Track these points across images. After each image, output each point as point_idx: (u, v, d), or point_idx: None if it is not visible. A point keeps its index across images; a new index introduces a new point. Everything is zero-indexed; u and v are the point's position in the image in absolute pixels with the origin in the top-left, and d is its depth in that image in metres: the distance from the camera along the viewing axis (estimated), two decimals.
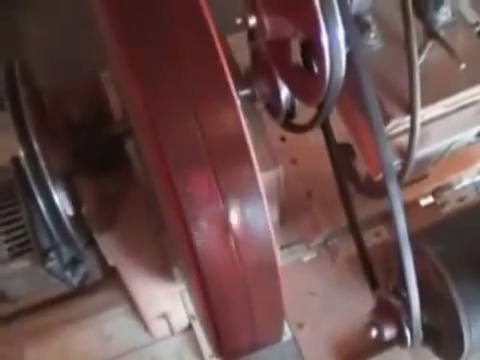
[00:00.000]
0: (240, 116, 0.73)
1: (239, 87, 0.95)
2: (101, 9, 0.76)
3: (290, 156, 1.24)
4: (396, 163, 0.90)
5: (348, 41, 0.78)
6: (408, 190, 1.06)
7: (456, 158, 1.09)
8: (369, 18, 0.87)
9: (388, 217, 1.07)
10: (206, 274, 0.73)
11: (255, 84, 0.96)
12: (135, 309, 1.25)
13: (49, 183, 0.89)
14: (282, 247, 1.15)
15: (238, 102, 0.74)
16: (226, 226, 0.71)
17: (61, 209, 0.91)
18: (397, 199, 0.84)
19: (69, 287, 1.20)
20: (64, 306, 1.26)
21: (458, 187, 1.15)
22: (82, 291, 1.25)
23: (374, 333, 0.95)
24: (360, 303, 0.99)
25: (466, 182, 1.14)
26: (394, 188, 0.83)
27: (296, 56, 0.82)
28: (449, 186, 1.13)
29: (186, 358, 1.27)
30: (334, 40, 0.75)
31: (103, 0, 0.75)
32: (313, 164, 1.22)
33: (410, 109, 0.84)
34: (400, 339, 0.94)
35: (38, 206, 0.92)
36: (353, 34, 0.79)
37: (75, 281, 1.20)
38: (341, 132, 1.01)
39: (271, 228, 0.74)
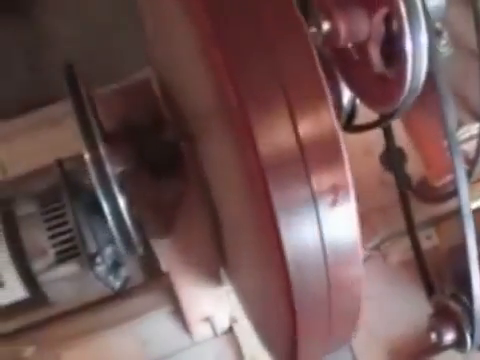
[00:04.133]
0: (334, 117, 0.72)
1: None
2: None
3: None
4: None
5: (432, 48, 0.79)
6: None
7: None
8: (439, 25, 0.87)
9: (439, 221, 1.08)
10: (293, 278, 0.72)
11: None
12: (174, 312, 1.24)
13: (115, 188, 0.88)
14: None
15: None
16: (318, 230, 0.71)
17: (125, 215, 0.90)
18: (467, 206, 0.84)
19: (110, 291, 1.19)
20: (101, 310, 1.25)
21: None
22: (120, 294, 1.24)
23: (434, 337, 0.95)
24: (413, 307, 1.00)
25: None
26: (465, 196, 0.84)
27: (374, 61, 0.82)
28: None
29: None
30: (418, 46, 0.75)
31: None
32: (356, 167, 1.21)
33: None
34: (459, 343, 0.95)
35: (102, 211, 0.91)
36: (432, 40, 0.79)
37: (117, 284, 1.19)
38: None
39: (359, 234, 0.73)
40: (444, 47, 0.88)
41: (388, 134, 0.98)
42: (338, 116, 0.96)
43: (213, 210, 1.00)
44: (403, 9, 0.74)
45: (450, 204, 1.07)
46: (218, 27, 0.71)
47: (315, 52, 0.73)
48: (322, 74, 0.73)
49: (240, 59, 0.70)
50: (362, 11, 0.80)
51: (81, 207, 1.06)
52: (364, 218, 1.13)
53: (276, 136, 0.69)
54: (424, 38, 0.75)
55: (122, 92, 1.03)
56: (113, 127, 0.99)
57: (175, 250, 1.05)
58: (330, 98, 0.72)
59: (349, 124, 0.97)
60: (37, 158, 1.25)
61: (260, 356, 1.14)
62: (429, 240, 1.19)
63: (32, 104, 1.41)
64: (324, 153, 0.71)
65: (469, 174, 0.91)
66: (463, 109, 0.87)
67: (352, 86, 0.91)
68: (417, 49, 0.76)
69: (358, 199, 1.16)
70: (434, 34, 0.86)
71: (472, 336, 0.93)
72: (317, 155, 0.70)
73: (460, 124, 0.86)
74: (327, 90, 0.72)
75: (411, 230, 0.99)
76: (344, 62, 0.90)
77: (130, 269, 1.22)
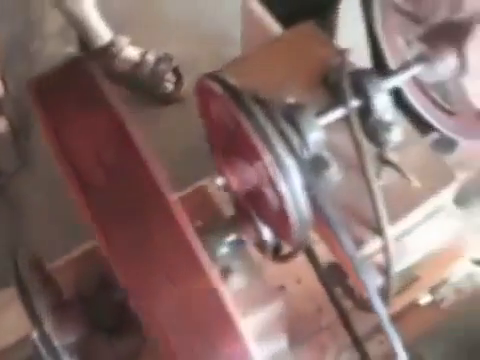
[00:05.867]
0: (222, 295, 0.79)
1: (225, 233, 1.03)
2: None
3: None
4: (379, 280, 0.95)
5: (311, 185, 0.86)
6: (404, 295, 1.11)
7: (445, 253, 1.14)
8: (327, 154, 0.94)
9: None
10: None
11: (240, 228, 1.04)
12: None
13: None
14: None
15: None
16: None
17: None
18: (385, 316, 0.88)
19: None
20: None
21: (453, 280, 1.18)
22: None
23: None
24: None
25: (460, 274, 1.18)
26: (380, 307, 0.88)
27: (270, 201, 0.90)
28: (444, 281, 1.17)
29: None
30: (292, 186, 0.83)
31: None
32: (292, 297, 1.25)
33: (378, 231, 0.90)
34: None
35: None
36: (312, 180, 0.87)
37: None
38: None
39: None
40: (334, 174, 0.94)
41: (310, 255, 1.03)
42: (264, 250, 1.04)
43: None
44: (269, 160, 0.83)
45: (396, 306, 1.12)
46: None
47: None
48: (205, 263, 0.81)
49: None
50: (245, 164, 0.89)
51: None
52: (312, 338, 1.19)
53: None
54: (295, 179, 0.83)
55: (73, 262, 1.13)
56: (69, 295, 1.08)
57: None
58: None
59: (277, 255, 1.04)
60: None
61: None
62: (382, 344, 1.22)
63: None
64: (215, 329, 0.78)
65: (388, 283, 0.96)
66: (364, 227, 0.93)
67: (265, 223, 0.99)
68: (292, 189, 0.84)
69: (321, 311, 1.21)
70: (319, 167, 0.94)
71: None
72: (208, 332, 0.78)
73: (361, 242, 0.92)
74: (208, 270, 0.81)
75: (356, 343, 1.03)
76: (255, 204, 0.98)
77: None
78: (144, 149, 0.81)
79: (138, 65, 1.71)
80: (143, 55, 1.72)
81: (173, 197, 0.80)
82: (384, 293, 0.97)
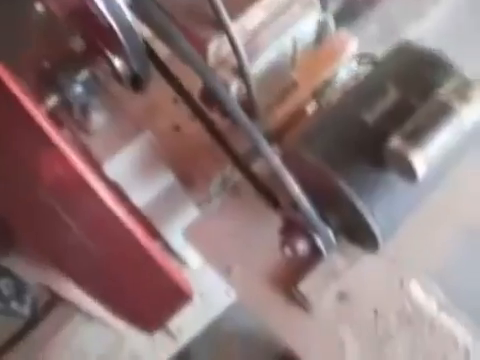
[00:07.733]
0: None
1: (77, 70, 0.95)
2: None
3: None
4: (236, 84, 0.88)
5: None
6: (286, 104, 1.04)
7: (321, 53, 1.06)
8: None
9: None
10: None
11: (91, 62, 0.95)
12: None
13: None
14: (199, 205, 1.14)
15: None
16: None
17: None
18: (252, 129, 0.83)
19: (22, 318, 1.21)
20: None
21: (338, 80, 1.11)
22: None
23: (288, 252, 0.93)
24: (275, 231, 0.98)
25: (343, 73, 1.10)
26: (241, 117, 0.82)
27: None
28: (328, 83, 1.10)
29: None
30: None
31: None
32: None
33: (220, 26, 0.82)
34: (316, 249, 0.93)
35: None
36: None
37: (26, 310, 1.20)
38: None
39: None
40: None
41: (171, 80, 0.94)
42: (122, 82, 0.95)
43: None
44: None
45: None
46: None
47: None
48: None
49: None
50: None
51: None
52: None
53: None
54: None
55: None
56: None
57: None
58: None
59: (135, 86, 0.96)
60: None
61: None
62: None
63: None
64: None
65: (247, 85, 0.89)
66: (206, 26, 0.83)
67: (105, 48, 0.90)
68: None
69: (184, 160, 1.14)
70: None
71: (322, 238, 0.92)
72: None
73: (206, 41, 0.84)
74: None
75: (236, 162, 0.96)
76: (89, 29, 0.89)
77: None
78: None
79: None
80: None
81: None
82: (249, 105, 0.91)
